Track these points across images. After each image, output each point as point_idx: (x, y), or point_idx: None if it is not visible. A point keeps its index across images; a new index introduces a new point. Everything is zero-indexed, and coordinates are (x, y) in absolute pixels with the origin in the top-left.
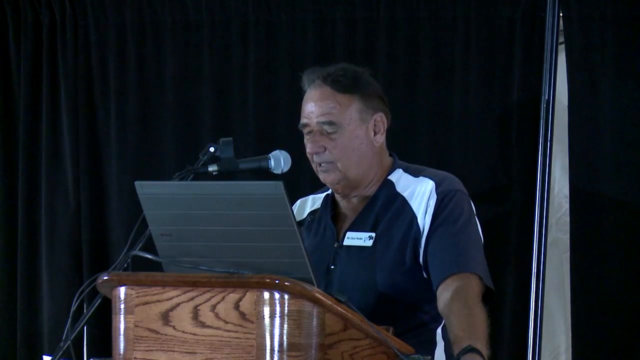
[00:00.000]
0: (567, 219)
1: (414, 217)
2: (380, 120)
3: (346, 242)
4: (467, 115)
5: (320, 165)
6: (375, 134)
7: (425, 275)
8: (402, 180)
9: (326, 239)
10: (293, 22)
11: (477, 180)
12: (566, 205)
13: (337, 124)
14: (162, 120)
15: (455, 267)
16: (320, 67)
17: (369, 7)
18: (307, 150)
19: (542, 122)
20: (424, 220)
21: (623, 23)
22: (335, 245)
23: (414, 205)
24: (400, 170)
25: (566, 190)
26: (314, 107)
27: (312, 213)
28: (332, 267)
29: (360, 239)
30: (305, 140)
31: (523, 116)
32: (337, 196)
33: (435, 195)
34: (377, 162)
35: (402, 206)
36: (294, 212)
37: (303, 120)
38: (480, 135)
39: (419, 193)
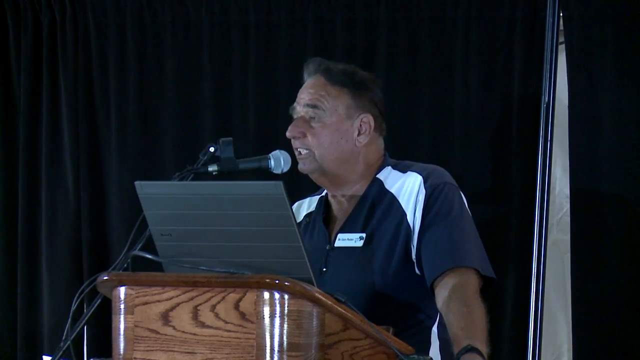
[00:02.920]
0: (569, 219)
1: (403, 213)
2: (367, 122)
3: (337, 244)
4: (467, 115)
5: (299, 153)
6: (359, 134)
7: (418, 271)
8: (390, 177)
9: (318, 242)
10: (293, 22)
11: (477, 180)
12: (567, 206)
13: (321, 110)
14: (162, 120)
15: (450, 262)
16: (320, 58)
17: (369, 7)
18: (286, 134)
19: (542, 122)
20: (414, 216)
21: (623, 23)
22: (327, 248)
23: (403, 201)
24: (389, 167)
25: (567, 191)
26: (305, 93)
27: (307, 216)
28: (324, 269)
29: (351, 240)
30: None
31: (523, 116)
32: (330, 198)
33: (424, 190)
34: (360, 161)
35: (391, 203)
36: None
37: (294, 105)
38: (480, 135)
39: (407, 188)
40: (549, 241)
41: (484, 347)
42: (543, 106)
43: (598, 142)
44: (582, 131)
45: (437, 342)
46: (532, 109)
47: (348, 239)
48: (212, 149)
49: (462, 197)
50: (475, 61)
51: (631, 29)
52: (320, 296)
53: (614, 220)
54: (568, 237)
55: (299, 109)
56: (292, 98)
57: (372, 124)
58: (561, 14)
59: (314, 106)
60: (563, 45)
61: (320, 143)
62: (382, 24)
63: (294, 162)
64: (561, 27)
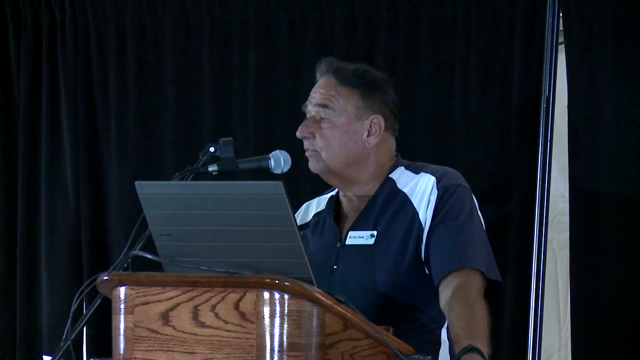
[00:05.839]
0: (563, 218)
1: (415, 213)
2: (377, 122)
3: (348, 242)
4: (467, 115)
5: (308, 151)
6: (369, 134)
7: (427, 271)
8: (403, 177)
9: (329, 239)
10: (293, 22)
11: (477, 180)
12: (562, 205)
13: (330, 109)
14: (162, 120)
15: (456, 263)
16: (332, 58)
17: (369, 7)
18: (296, 134)
19: (542, 121)
20: (426, 215)
21: (623, 23)
22: (338, 245)
23: (415, 201)
24: (402, 167)
25: (563, 190)
26: (316, 93)
27: (316, 215)
28: (335, 267)
29: (362, 237)
30: None
31: (523, 116)
32: (340, 196)
33: (437, 191)
34: (371, 161)
35: (403, 203)
36: (299, 217)
37: (306, 103)
38: (480, 135)
39: (420, 189)
40: None
41: (485, 348)
42: (543, 106)
43: (598, 142)
44: (582, 131)
45: (447, 343)
46: (532, 108)
47: (359, 237)
48: (212, 149)
49: (473, 200)
50: (475, 61)
51: (631, 29)
52: (320, 296)
53: (614, 220)
54: (562, 236)
55: (310, 108)
56: (292, 98)
57: (382, 124)
58: (561, 14)
59: (324, 105)
60: (563, 45)
61: (327, 145)
62: (382, 24)
63: (294, 162)
64: (561, 27)
